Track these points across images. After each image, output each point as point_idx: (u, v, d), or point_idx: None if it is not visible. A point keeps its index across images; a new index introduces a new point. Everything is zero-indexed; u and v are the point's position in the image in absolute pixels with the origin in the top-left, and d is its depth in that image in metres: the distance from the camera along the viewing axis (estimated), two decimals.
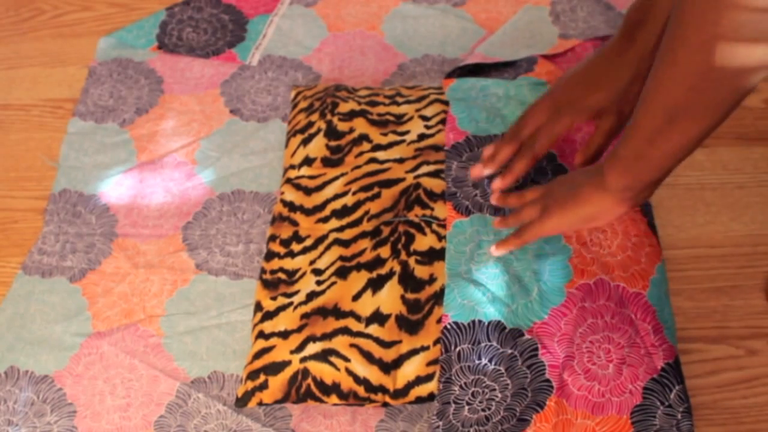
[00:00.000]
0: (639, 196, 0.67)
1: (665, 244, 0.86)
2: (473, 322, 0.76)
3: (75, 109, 1.05)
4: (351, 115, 0.93)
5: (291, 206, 0.88)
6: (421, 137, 0.91)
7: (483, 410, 0.74)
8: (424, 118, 0.93)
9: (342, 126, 0.93)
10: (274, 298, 0.82)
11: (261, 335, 0.80)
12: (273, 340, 0.79)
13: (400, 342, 0.77)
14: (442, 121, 0.92)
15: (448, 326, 0.76)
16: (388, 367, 0.76)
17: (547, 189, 0.75)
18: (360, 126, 0.93)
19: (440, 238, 0.82)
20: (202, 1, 1.17)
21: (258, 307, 0.82)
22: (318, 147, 0.92)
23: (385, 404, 0.76)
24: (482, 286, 0.78)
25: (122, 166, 0.99)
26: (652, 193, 0.68)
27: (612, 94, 0.76)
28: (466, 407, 0.74)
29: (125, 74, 1.08)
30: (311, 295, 0.81)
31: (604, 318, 0.76)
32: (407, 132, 0.92)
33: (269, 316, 0.81)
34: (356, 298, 0.79)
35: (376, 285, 0.80)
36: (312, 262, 0.83)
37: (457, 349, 0.75)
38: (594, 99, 0.76)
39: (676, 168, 0.64)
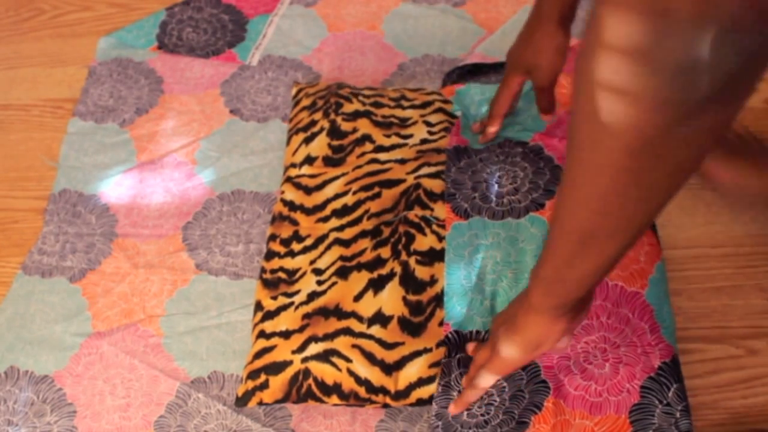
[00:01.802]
0: (571, 313, 0.64)
1: (665, 244, 0.86)
2: (471, 333, 0.76)
3: (75, 109, 1.05)
4: (355, 116, 0.93)
5: (291, 205, 0.88)
6: (424, 142, 0.91)
7: (482, 415, 0.74)
8: (428, 124, 0.93)
9: (345, 126, 0.93)
10: (274, 298, 0.82)
11: (262, 335, 0.80)
12: (274, 340, 0.79)
13: (402, 344, 0.77)
14: (446, 129, 0.92)
15: (450, 335, 0.76)
16: (389, 369, 0.76)
17: (492, 330, 0.72)
18: (363, 126, 0.93)
19: (440, 238, 0.82)
20: (202, 1, 1.17)
21: (258, 306, 0.82)
22: (320, 146, 0.92)
23: (385, 405, 0.76)
24: (482, 292, 0.78)
25: (122, 166, 0.99)
26: (588, 307, 0.66)
27: (537, 50, 0.82)
28: (465, 413, 0.74)
29: (125, 74, 1.09)
30: (312, 295, 0.81)
31: (600, 318, 0.76)
32: (410, 136, 0.92)
33: (270, 315, 0.81)
34: (358, 298, 0.79)
35: (377, 285, 0.80)
36: (312, 262, 0.83)
37: (458, 356, 0.75)
38: (524, 56, 0.84)
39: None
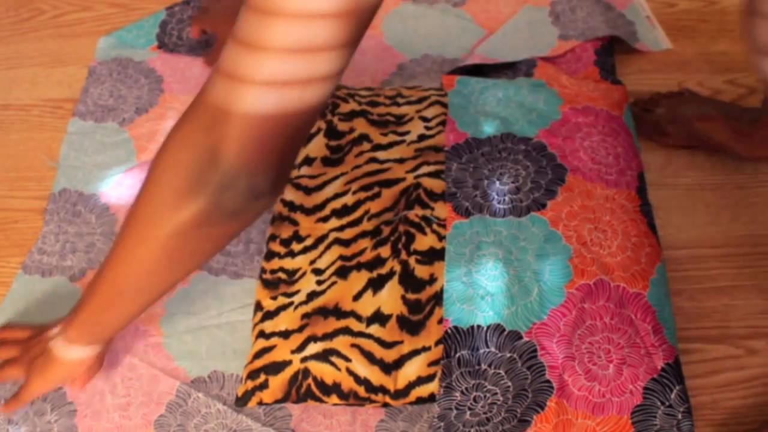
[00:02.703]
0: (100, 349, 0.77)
1: (665, 245, 0.86)
2: (473, 327, 0.76)
3: (75, 108, 1.05)
4: (351, 115, 0.93)
5: (291, 206, 0.88)
6: (421, 138, 0.91)
7: (485, 413, 0.74)
8: (425, 119, 0.93)
9: (342, 126, 0.93)
10: (274, 298, 0.82)
11: (261, 335, 0.80)
12: (274, 340, 0.79)
13: (401, 342, 0.77)
14: (442, 123, 0.92)
15: (449, 331, 0.76)
16: (389, 368, 0.76)
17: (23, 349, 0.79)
18: (360, 126, 0.93)
19: (440, 238, 0.82)
20: (202, 1, 1.17)
21: (258, 306, 0.82)
22: (318, 147, 0.92)
23: (385, 404, 0.76)
24: (482, 289, 0.78)
25: (122, 166, 0.99)
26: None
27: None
28: (468, 412, 0.74)
29: (125, 74, 1.08)
30: (312, 295, 0.81)
31: (604, 319, 0.76)
32: (407, 132, 0.92)
33: (270, 315, 0.81)
34: (357, 298, 0.79)
35: (376, 285, 0.80)
36: (312, 262, 0.83)
37: (458, 355, 0.75)
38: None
39: None
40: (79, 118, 1.04)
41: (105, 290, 0.66)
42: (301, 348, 0.77)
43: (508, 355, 0.75)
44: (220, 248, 0.61)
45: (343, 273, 0.81)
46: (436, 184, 0.86)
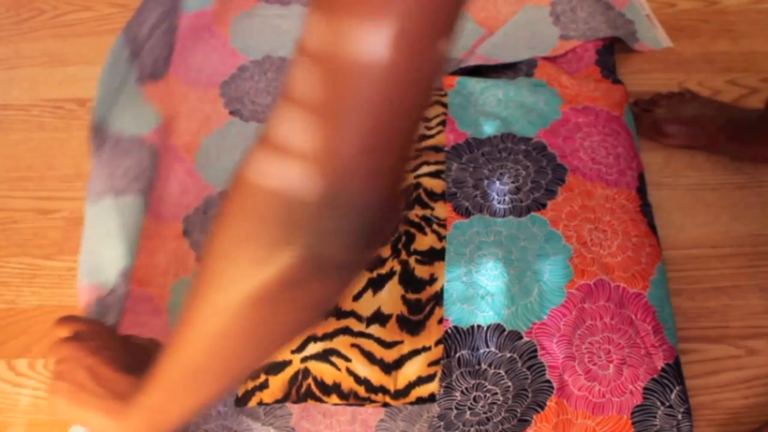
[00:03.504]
0: None
1: (665, 245, 0.86)
2: (473, 327, 0.76)
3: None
4: None
5: None
6: (421, 138, 0.91)
7: (485, 413, 0.74)
8: (424, 119, 0.93)
9: None
10: None
11: None
12: None
13: (401, 342, 0.77)
14: (442, 123, 0.92)
15: (449, 331, 0.76)
16: (389, 368, 0.76)
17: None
18: None
19: (441, 238, 0.82)
20: None
21: None
22: None
23: (385, 404, 0.76)
24: (482, 289, 0.78)
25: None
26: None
27: None
28: (468, 412, 0.74)
29: None
30: None
31: (604, 319, 0.76)
32: None
33: None
34: (357, 297, 0.79)
35: (376, 285, 0.80)
36: None
37: (458, 355, 0.75)
38: None
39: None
40: None
41: (173, 374, 0.52)
42: (301, 348, 0.77)
43: (509, 355, 0.75)
44: (314, 319, 0.46)
45: None
46: (436, 184, 0.86)
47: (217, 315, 0.43)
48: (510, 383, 0.74)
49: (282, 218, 0.38)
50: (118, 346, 0.67)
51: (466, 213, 0.83)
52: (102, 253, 0.77)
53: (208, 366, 0.48)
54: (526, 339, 0.75)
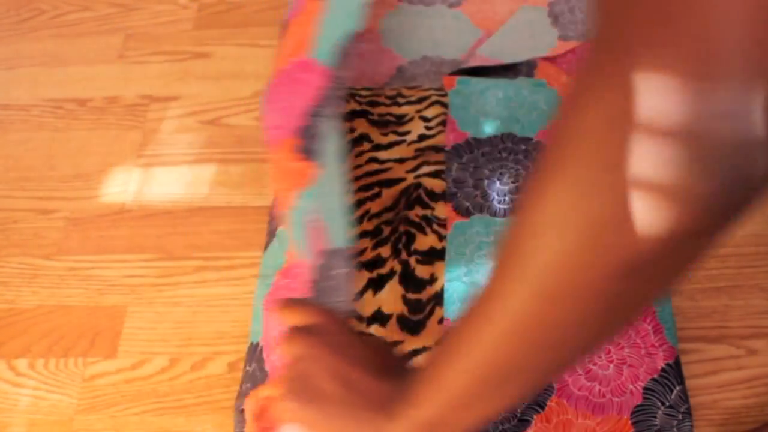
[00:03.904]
0: None
1: None
2: None
3: None
4: (352, 115, 0.94)
5: None
6: (422, 138, 0.91)
7: None
8: (425, 119, 0.93)
9: (343, 126, 0.93)
10: None
11: None
12: None
13: (401, 342, 0.77)
14: (443, 123, 0.92)
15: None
16: None
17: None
18: (360, 126, 0.93)
19: (441, 237, 0.82)
20: None
21: None
22: None
23: None
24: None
25: None
26: None
27: None
28: None
29: None
30: None
31: None
32: (408, 132, 0.92)
33: None
34: (357, 298, 0.79)
35: (376, 285, 0.80)
36: None
37: None
38: None
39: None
40: None
41: (463, 379, 0.41)
42: None
43: None
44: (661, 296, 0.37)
45: None
46: (436, 184, 0.86)
47: (557, 300, 0.33)
48: None
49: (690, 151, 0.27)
50: (361, 344, 0.55)
51: (467, 213, 0.83)
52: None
53: (521, 365, 0.38)
54: None
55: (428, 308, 0.78)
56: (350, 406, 0.49)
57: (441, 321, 0.77)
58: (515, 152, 0.87)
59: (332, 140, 0.73)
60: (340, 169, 0.72)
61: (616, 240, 0.29)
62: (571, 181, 0.30)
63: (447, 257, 0.80)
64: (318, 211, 0.70)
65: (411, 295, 0.79)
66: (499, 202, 0.84)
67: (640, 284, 0.32)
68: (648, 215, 0.28)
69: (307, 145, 0.73)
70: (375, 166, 0.89)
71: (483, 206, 0.83)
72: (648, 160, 0.28)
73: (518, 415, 0.73)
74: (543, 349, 0.36)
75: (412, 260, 0.81)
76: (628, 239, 0.29)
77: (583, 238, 0.30)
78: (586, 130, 0.30)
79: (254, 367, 0.76)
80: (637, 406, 0.72)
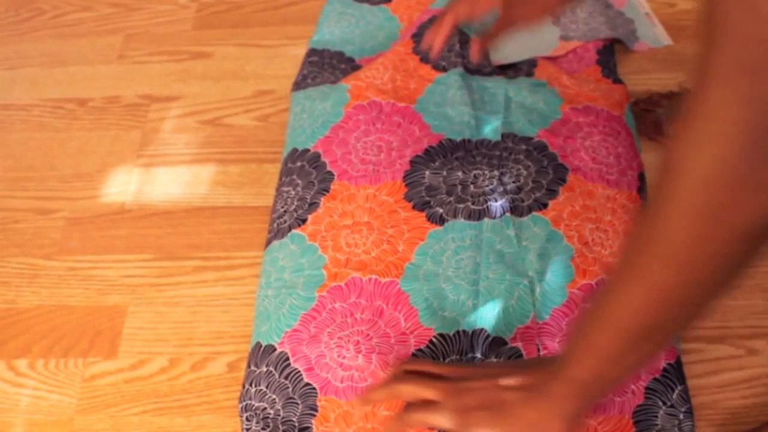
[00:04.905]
0: (584, 411, 0.58)
1: None
2: (458, 333, 0.75)
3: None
4: None
5: None
6: None
7: None
8: None
9: None
10: None
11: None
12: None
13: None
14: None
15: (434, 339, 0.75)
16: None
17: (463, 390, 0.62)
18: None
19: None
20: None
21: None
22: None
23: None
24: (463, 294, 0.77)
25: None
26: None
27: None
28: None
29: None
30: None
31: None
32: None
33: None
34: None
35: None
36: None
37: (447, 360, 0.74)
38: None
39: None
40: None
41: (611, 338, 0.48)
42: None
43: (495, 360, 0.74)
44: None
45: None
46: None
47: (693, 265, 0.40)
48: None
49: None
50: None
51: (440, 221, 0.83)
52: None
53: (662, 321, 0.45)
54: (510, 345, 0.74)
55: None
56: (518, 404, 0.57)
57: None
58: (516, 152, 0.87)
59: None
60: None
61: (741, 208, 0.37)
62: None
63: (424, 267, 0.80)
64: None
65: None
66: (474, 204, 0.82)
67: (752, 247, 0.40)
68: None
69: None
70: None
71: (456, 211, 0.81)
72: None
73: None
74: (677, 307, 0.43)
75: None
76: (752, 206, 0.37)
77: (710, 212, 0.38)
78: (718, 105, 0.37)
79: (261, 369, 0.76)
80: (639, 405, 0.72)
